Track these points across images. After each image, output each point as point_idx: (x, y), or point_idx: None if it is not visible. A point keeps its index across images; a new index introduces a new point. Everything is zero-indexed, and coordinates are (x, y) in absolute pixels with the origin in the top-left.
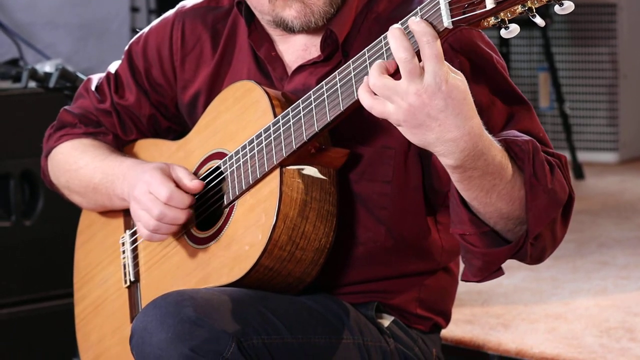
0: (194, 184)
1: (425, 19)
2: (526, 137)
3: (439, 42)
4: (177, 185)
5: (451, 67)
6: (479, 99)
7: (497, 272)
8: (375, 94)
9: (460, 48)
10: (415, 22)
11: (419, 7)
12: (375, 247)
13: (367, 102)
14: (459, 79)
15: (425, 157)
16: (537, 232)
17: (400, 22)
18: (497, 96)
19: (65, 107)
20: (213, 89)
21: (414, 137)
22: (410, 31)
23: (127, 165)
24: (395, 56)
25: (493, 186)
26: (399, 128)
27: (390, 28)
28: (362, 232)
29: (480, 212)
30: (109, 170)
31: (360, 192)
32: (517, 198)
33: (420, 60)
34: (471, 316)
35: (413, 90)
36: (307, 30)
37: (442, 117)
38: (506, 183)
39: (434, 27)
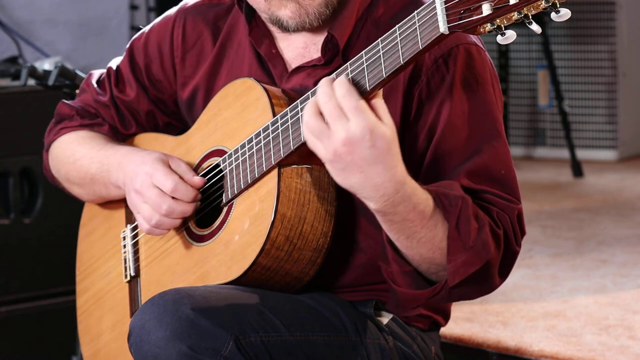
0: (195, 180)
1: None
2: (458, 193)
3: (356, 95)
4: (181, 178)
5: (383, 114)
6: (452, 118)
7: (416, 309)
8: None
9: (460, 62)
10: (328, 81)
11: (415, 12)
12: (376, 254)
13: (305, 133)
14: (385, 129)
15: (418, 169)
16: (455, 283)
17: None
18: (471, 125)
19: (64, 100)
20: (210, 83)
21: (338, 178)
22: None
23: (122, 154)
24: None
25: (413, 233)
26: (326, 165)
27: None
28: (363, 240)
29: (404, 253)
30: (105, 160)
31: (359, 200)
32: (438, 248)
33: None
34: (470, 314)
35: (340, 137)
36: (304, 29)
37: (364, 165)
38: (427, 232)
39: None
